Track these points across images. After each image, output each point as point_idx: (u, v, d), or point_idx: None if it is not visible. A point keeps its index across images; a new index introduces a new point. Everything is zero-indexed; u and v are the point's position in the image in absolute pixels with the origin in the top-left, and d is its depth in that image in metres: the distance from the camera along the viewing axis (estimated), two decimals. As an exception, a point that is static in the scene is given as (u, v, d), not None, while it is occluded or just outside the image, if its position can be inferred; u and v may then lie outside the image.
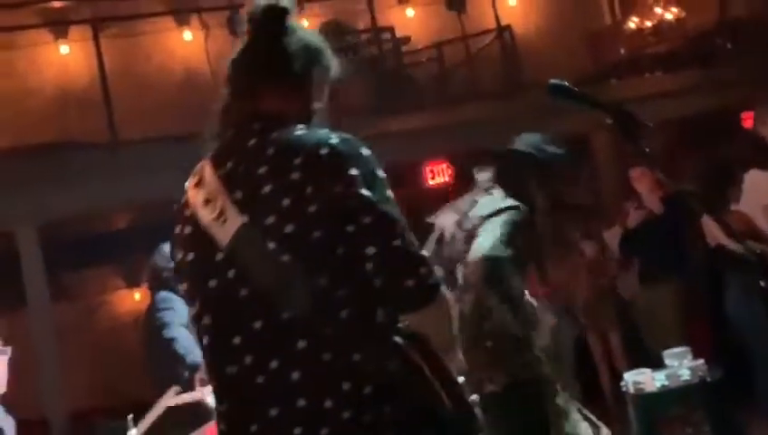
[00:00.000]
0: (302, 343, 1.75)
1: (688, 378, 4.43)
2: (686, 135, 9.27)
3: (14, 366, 3.07)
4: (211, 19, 9.26)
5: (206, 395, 3.59)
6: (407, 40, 10.08)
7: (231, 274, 1.81)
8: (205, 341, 1.88)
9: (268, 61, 1.92)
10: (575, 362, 6.85)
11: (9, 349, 2.90)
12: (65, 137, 8.37)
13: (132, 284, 9.37)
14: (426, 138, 8.82)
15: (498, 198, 3.53)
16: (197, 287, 1.88)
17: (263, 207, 1.79)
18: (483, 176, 4.49)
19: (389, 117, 8.71)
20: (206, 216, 1.85)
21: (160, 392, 4.46)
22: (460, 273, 3.58)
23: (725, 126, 8.82)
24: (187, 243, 1.90)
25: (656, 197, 6.47)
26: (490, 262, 3.36)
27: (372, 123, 8.58)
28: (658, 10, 10.30)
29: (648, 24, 10.33)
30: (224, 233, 1.82)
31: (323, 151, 1.80)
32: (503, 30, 10.03)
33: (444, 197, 8.65)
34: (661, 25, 10.22)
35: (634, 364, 5.12)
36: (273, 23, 1.93)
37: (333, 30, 9.30)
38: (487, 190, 3.60)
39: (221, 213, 1.83)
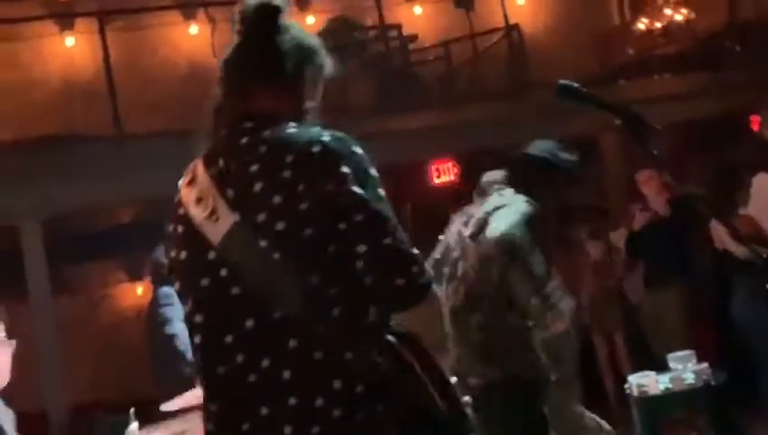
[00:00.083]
0: (293, 342, 1.75)
1: (692, 381, 4.40)
2: (694, 138, 9.23)
3: (14, 359, 3.06)
4: (218, 13, 9.24)
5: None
6: (414, 38, 10.04)
7: (223, 272, 1.82)
8: (197, 339, 1.87)
9: (261, 60, 1.92)
10: (579, 363, 6.82)
11: (14, 341, 2.90)
12: (70, 129, 8.35)
13: (135, 278, 9.37)
14: (432, 136, 8.80)
15: (509, 196, 3.54)
16: (190, 286, 1.88)
17: (254, 205, 1.79)
18: (490, 177, 4.48)
19: (396, 115, 8.69)
20: (198, 214, 1.85)
21: (161, 388, 4.46)
22: (459, 266, 3.57)
23: (733, 129, 8.78)
24: (180, 242, 1.91)
25: (662, 199, 6.45)
26: (508, 238, 3.37)
27: (378, 121, 8.56)
28: (668, 11, 10.25)
29: (658, 25, 10.28)
30: (216, 231, 1.82)
31: (315, 149, 1.79)
32: (511, 29, 9.99)
33: (449, 195, 8.67)
34: (670, 27, 10.18)
35: (638, 367, 5.09)
36: (265, 21, 1.93)
37: (340, 26, 9.29)
38: (497, 191, 3.60)
39: (213, 211, 1.83)
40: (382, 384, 1.76)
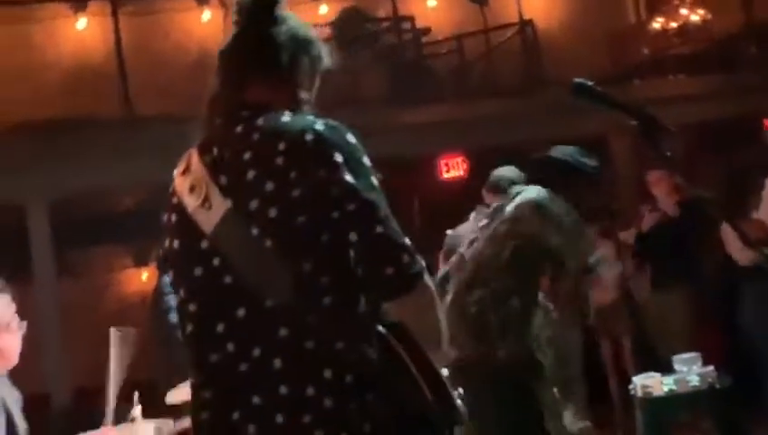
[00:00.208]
0: (284, 331, 1.75)
1: (697, 384, 4.40)
2: (706, 140, 9.18)
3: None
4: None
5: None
6: (427, 31, 10.00)
7: (216, 261, 1.82)
8: (189, 329, 1.88)
9: (257, 51, 1.93)
10: (584, 363, 6.80)
11: (24, 324, 2.92)
12: (80, 112, 8.34)
13: (140, 264, 9.37)
14: (442, 131, 8.77)
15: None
16: (183, 275, 1.88)
17: (247, 193, 1.79)
18: (500, 173, 4.46)
19: (406, 108, 8.66)
20: (191, 203, 1.86)
21: (164, 375, 4.45)
22: (471, 250, 3.57)
23: (746, 132, 8.74)
24: (174, 231, 1.91)
25: (672, 200, 6.42)
26: (541, 205, 3.41)
27: (389, 114, 8.54)
28: (684, 11, 10.17)
29: (673, 24, 10.21)
30: (208, 220, 1.82)
31: (308, 137, 1.80)
32: (525, 24, 9.93)
33: (458, 190, 8.64)
34: (686, 27, 10.10)
35: (643, 368, 5.07)
36: (262, 12, 1.94)
37: (353, 17, 9.26)
38: (518, 190, 3.62)
39: (206, 199, 1.83)
40: (372, 374, 1.76)
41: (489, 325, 3.38)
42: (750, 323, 5.36)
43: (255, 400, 1.77)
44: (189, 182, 1.87)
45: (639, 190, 7.35)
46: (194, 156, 1.91)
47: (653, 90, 9.36)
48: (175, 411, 3.53)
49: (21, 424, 2.87)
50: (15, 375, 3.03)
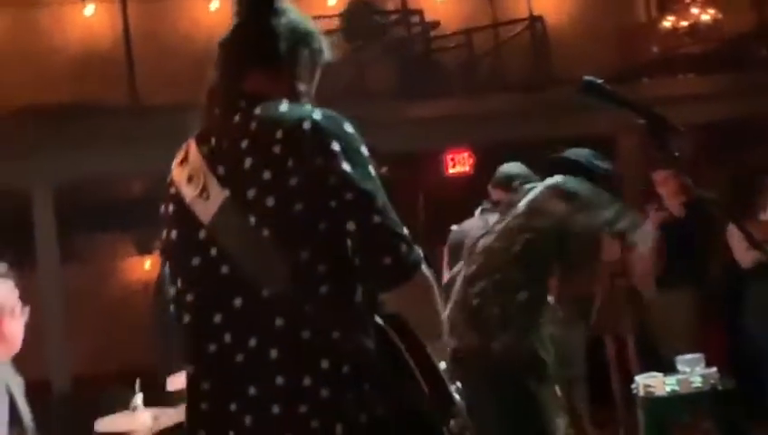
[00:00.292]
0: (280, 321, 1.75)
1: (700, 385, 4.39)
2: (715, 140, 9.14)
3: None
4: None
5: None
6: (436, 24, 9.96)
7: (213, 251, 1.81)
8: (186, 319, 1.87)
9: (256, 43, 1.93)
10: (587, 362, 6.79)
11: (27, 309, 2.92)
12: (87, 98, 8.34)
13: (144, 252, 9.38)
14: (449, 125, 8.74)
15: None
16: (181, 265, 1.88)
17: (244, 182, 1.79)
18: (506, 169, 4.45)
19: (413, 102, 8.64)
20: (189, 193, 1.86)
21: (166, 363, 4.44)
22: (479, 244, 3.56)
23: (756, 132, 8.70)
24: (172, 221, 1.91)
25: (678, 201, 6.39)
26: (559, 185, 3.43)
27: (395, 107, 8.51)
28: (695, 10, 10.13)
29: (684, 23, 10.16)
30: (206, 210, 1.82)
31: (306, 126, 1.79)
32: (534, 20, 9.90)
33: (463, 186, 8.62)
34: (697, 26, 10.05)
35: (647, 368, 5.06)
36: (262, 4, 1.94)
37: (361, 9, 9.23)
38: (532, 187, 3.62)
39: (203, 189, 1.83)
40: (369, 364, 1.76)
41: (489, 317, 3.37)
42: (754, 325, 5.35)
43: (252, 390, 1.76)
44: (187, 172, 1.88)
45: (645, 189, 7.33)
46: (192, 146, 1.91)
47: (662, 89, 9.32)
48: (175, 399, 3.53)
49: (24, 408, 2.88)
50: (18, 361, 3.04)
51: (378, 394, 1.76)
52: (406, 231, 1.81)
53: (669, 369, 4.60)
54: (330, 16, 8.84)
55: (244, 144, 1.81)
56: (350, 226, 1.76)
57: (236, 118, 1.86)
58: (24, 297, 2.99)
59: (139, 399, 3.51)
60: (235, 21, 1.97)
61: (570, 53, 9.54)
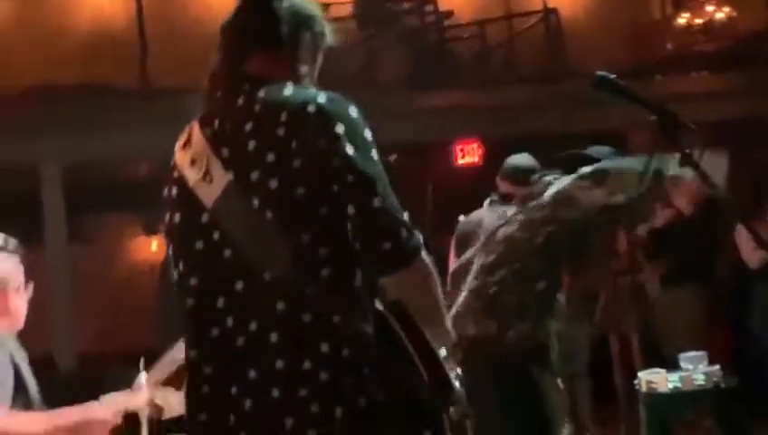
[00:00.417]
0: (280, 305, 1.75)
1: (702, 382, 4.38)
2: (728, 138, 9.10)
3: (28, 304, 3.09)
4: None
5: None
6: (449, 14, 9.92)
7: (216, 235, 1.81)
8: (189, 302, 1.86)
9: (259, 25, 1.93)
10: (591, 359, 6.79)
11: (31, 286, 2.93)
12: (98, 79, 8.35)
13: (151, 232, 9.40)
14: (459, 116, 8.72)
15: None
16: (183, 249, 1.88)
17: (248, 164, 1.79)
18: (514, 161, 4.45)
19: (425, 91, 8.62)
20: (192, 176, 1.85)
21: (170, 344, 4.45)
22: (499, 233, 3.56)
23: (766, 132, 8.66)
24: (175, 204, 1.91)
25: (687, 199, 6.38)
26: (593, 171, 3.40)
27: (406, 97, 8.50)
28: (710, 8, 10.09)
29: (699, 21, 10.13)
30: (209, 193, 1.82)
31: (310, 108, 1.79)
32: (549, 12, 9.86)
33: (472, 176, 8.61)
34: (711, 24, 10.02)
35: (650, 365, 5.06)
36: None
37: (376, -3, 9.20)
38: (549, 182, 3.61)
39: (207, 172, 1.83)
40: (369, 348, 1.76)
41: (506, 305, 3.37)
42: (760, 325, 5.35)
43: (252, 374, 1.76)
44: (190, 156, 1.87)
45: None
46: (195, 129, 1.90)
47: (676, 86, 9.29)
48: (175, 381, 3.53)
49: (30, 380, 2.89)
50: (24, 338, 3.05)
51: (377, 379, 1.75)
52: (406, 216, 1.80)
53: (672, 366, 4.60)
54: (343, 3, 8.81)
55: (248, 127, 1.81)
56: (351, 209, 1.76)
57: (240, 101, 1.86)
58: (31, 275, 3.00)
59: (143, 377, 3.51)
60: (238, 3, 1.97)
61: (584, 47, 9.50)
